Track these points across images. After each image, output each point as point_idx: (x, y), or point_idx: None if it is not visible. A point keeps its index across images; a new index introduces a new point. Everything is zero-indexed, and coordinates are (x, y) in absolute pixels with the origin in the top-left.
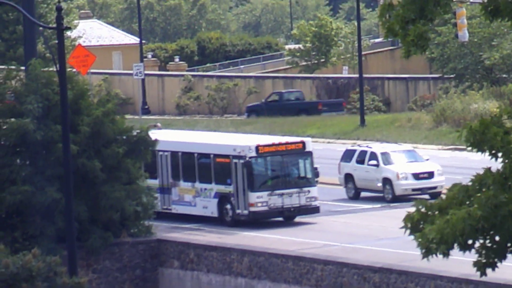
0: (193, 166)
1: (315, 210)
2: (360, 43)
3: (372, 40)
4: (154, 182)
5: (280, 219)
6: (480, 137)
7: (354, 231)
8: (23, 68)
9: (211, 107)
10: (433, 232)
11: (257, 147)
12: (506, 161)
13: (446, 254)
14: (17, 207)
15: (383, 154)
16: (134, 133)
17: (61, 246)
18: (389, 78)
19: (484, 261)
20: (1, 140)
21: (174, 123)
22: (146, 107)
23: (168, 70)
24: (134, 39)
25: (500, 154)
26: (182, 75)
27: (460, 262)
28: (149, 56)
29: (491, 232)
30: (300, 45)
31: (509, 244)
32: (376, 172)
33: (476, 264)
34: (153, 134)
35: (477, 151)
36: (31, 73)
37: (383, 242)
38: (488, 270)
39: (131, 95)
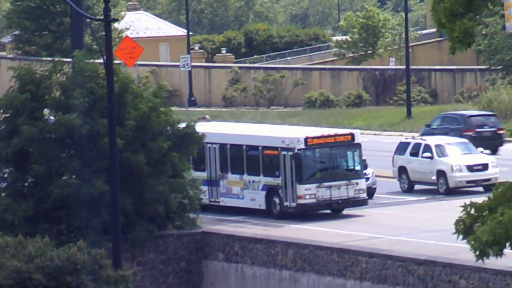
0: (242, 158)
1: (363, 202)
2: (408, 34)
3: (419, 32)
4: (202, 174)
5: (328, 211)
6: None
7: (400, 223)
8: (69, 60)
9: (258, 99)
10: (486, 233)
11: (305, 139)
12: None
13: (499, 255)
14: (63, 199)
15: (437, 146)
16: (181, 127)
17: (106, 239)
18: (436, 70)
19: None
20: (49, 134)
21: (221, 115)
22: (193, 99)
23: (215, 62)
24: (181, 31)
25: None
26: (229, 67)
27: (505, 255)
28: (196, 48)
29: None
30: (347, 37)
31: None
32: (430, 164)
33: None
34: (202, 126)
35: None
36: (76, 66)
37: (429, 234)
38: None
39: (177, 87)
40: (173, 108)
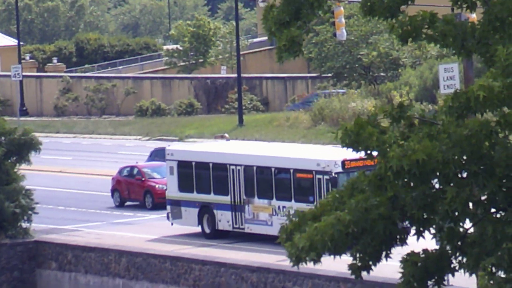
0: (270, 181)
1: None
2: (238, 43)
3: (250, 40)
4: (225, 199)
5: None
6: (355, 137)
7: None
8: None
9: (90, 108)
10: (303, 240)
11: (343, 162)
12: (382, 161)
13: (316, 261)
14: None
15: None
16: (17, 135)
17: None
18: (267, 78)
19: (359, 264)
20: None
21: (53, 124)
22: (24, 108)
23: (46, 72)
24: (12, 41)
25: (375, 154)
26: (60, 76)
27: (338, 261)
28: (27, 57)
29: (363, 236)
30: (178, 46)
31: (383, 247)
32: None
33: (351, 267)
34: (222, 146)
35: (352, 151)
36: None
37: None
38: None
39: (9, 97)
40: (5, 118)
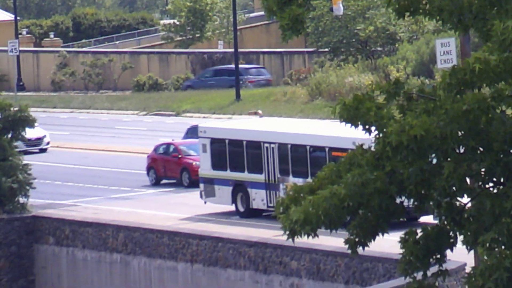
0: (305, 160)
1: None
2: (235, 17)
3: (247, 15)
4: (259, 177)
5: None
6: (354, 112)
7: None
8: None
9: (87, 83)
10: (297, 213)
11: None
12: (379, 135)
13: (311, 235)
14: None
15: None
16: (12, 112)
17: None
18: (264, 53)
19: (356, 239)
20: None
21: (49, 99)
22: (21, 83)
23: (43, 47)
24: (8, 16)
25: (373, 129)
26: (57, 51)
27: (336, 235)
28: (24, 32)
29: (360, 211)
30: (175, 20)
31: (380, 222)
32: None
33: (347, 242)
34: (255, 123)
35: (351, 126)
36: None
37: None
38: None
39: (6, 72)
40: (2, 93)
